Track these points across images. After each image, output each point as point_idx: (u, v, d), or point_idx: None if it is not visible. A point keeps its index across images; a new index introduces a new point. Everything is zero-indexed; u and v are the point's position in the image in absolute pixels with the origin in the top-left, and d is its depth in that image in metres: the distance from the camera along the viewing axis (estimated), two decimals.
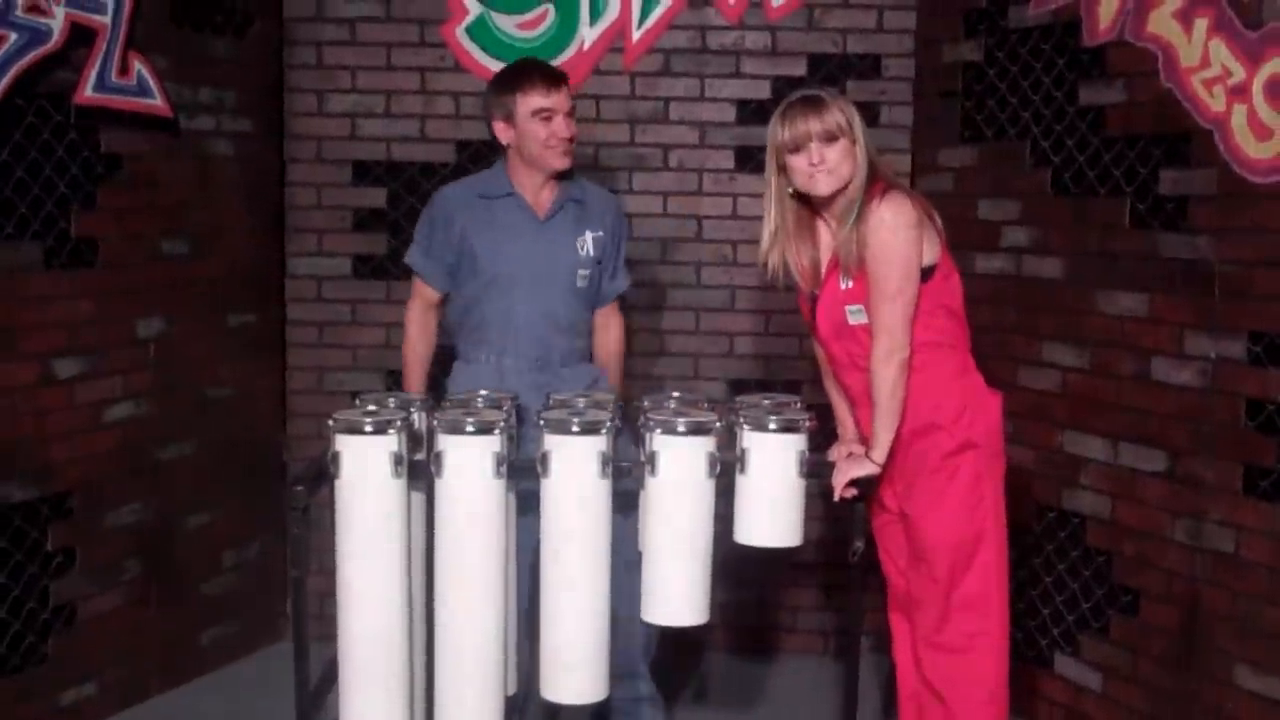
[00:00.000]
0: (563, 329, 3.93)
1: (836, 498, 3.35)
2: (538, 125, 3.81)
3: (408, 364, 4.12)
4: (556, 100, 3.81)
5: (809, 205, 3.43)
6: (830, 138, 3.28)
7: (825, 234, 3.45)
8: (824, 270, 3.44)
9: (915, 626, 3.55)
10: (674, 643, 4.29)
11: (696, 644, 4.85)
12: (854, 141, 3.32)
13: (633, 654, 3.95)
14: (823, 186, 3.31)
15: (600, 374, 4.03)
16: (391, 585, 3.16)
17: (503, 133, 3.88)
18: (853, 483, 3.33)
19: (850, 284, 3.35)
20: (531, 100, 3.80)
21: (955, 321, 3.44)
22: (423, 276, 4.04)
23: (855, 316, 3.36)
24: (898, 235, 3.25)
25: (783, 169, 3.38)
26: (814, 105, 3.31)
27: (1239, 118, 3.54)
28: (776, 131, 3.35)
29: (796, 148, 3.31)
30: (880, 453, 3.34)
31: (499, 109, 3.86)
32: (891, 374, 3.29)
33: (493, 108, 3.89)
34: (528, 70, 3.88)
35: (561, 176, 3.93)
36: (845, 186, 3.33)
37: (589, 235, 3.94)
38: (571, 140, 3.86)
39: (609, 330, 4.13)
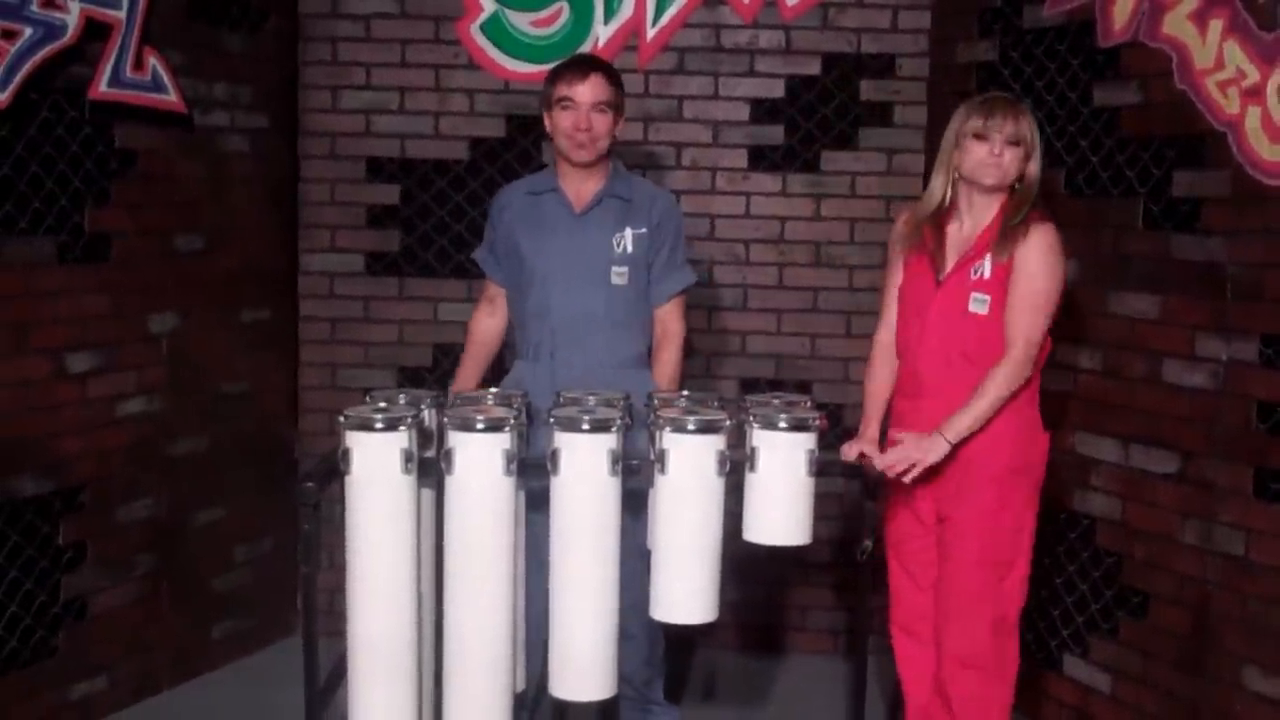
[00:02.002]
0: (601, 327, 3.87)
1: (893, 474, 3.40)
2: (559, 114, 3.83)
3: (464, 351, 4.20)
4: (577, 90, 3.80)
5: (953, 195, 3.57)
6: (1015, 141, 3.44)
7: (953, 227, 3.55)
8: (949, 259, 3.51)
9: (944, 642, 3.55)
10: (683, 640, 4.30)
11: (705, 642, 4.85)
12: (1029, 154, 3.47)
13: (636, 672, 3.96)
14: (990, 177, 3.47)
15: (649, 386, 3.87)
16: (401, 581, 3.17)
17: (546, 121, 3.92)
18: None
19: (985, 275, 3.45)
20: (557, 89, 3.82)
21: (1043, 358, 3.54)
22: (483, 269, 4.10)
23: (978, 305, 3.45)
24: (1059, 257, 3.44)
25: (957, 150, 3.52)
26: (1013, 107, 3.49)
27: (1253, 120, 3.53)
28: (971, 115, 3.49)
29: (983, 136, 3.45)
30: (957, 435, 3.40)
31: (543, 98, 3.91)
32: (1014, 380, 3.41)
33: (542, 99, 3.93)
34: (566, 61, 3.94)
35: (612, 173, 3.92)
36: (1005, 188, 3.49)
37: (629, 232, 3.89)
38: (586, 132, 3.81)
39: (662, 337, 3.99)
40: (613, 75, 3.90)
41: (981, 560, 3.48)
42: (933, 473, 3.48)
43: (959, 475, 3.47)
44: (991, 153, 3.43)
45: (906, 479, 3.41)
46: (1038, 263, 3.40)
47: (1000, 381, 3.39)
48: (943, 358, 3.49)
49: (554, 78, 3.87)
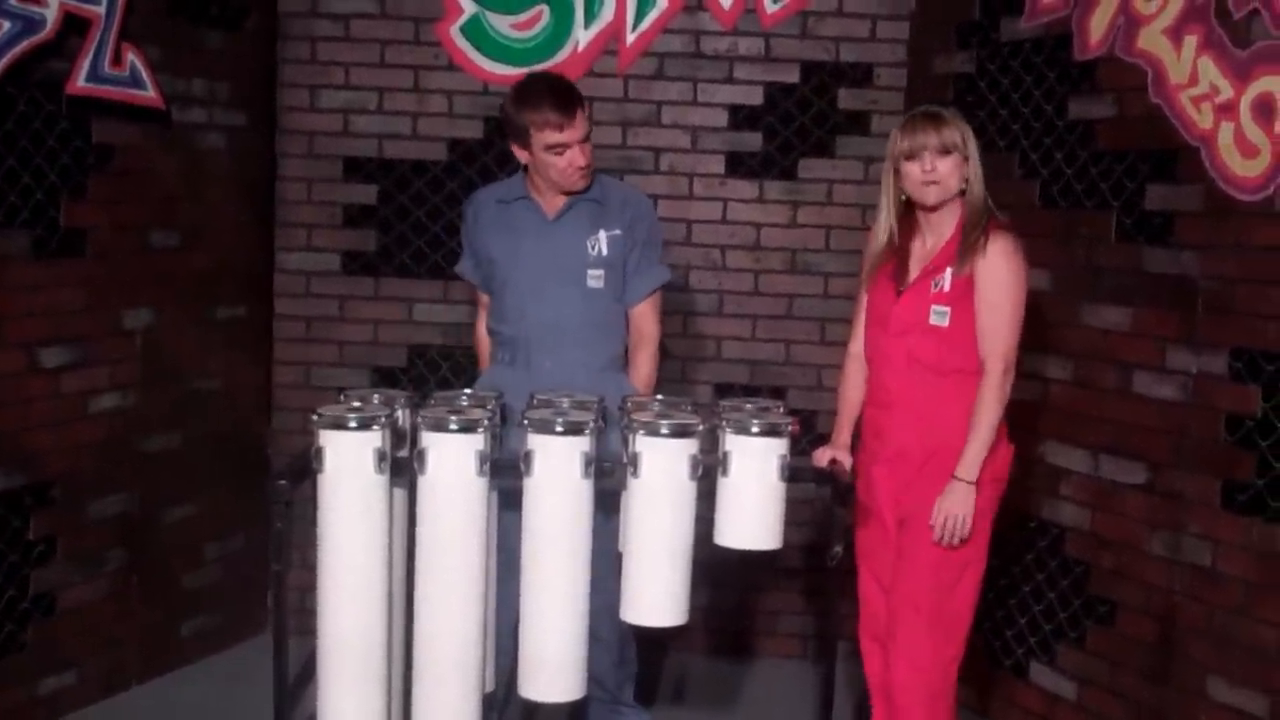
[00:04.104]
0: (577, 332, 3.86)
1: (954, 541, 3.43)
2: (552, 158, 3.75)
3: (479, 362, 4.20)
4: (569, 134, 3.72)
5: (912, 212, 3.56)
6: (944, 150, 3.43)
7: (917, 243, 3.56)
8: (913, 273, 3.52)
9: (892, 635, 3.56)
10: (653, 644, 4.31)
11: (676, 645, 4.86)
12: (966, 158, 3.46)
13: (606, 674, 3.97)
14: (931, 197, 3.47)
15: (629, 389, 3.90)
16: (372, 581, 3.17)
17: (519, 154, 3.83)
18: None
19: (945, 288, 3.45)
20: (545, 136, 3.72)
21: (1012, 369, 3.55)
22: (471, 281, 4.08)
23: (938, 318, 3.46)
24: (1019, 265, 3.43)
25: (897, 174, 3.52)
26: (934, 119, 3.48)
27: (1226, 135, 3.56)
28: (896, 139, 3.50)
29: (912, 155, 3.45)
30: (974, 473, 3.42)
31: (515, 134, 3.79)
32: (1000, 398, 3.42)
33: (509, 131, 3.82)
34: (540, 101, 3.74)
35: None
36: (951, 199, 3.47)
37: (603, 234, 3.87)
38: (585, 167, 3.79)
39: (637, 338, 3.99)
40: (582, 99, 3.82)
41: (934, 561, 3.47)
42: (897, 481, 3.51)
43: (922, 481, 3.48)
44: (923, 170, 3.44)
45: (961, 534, 3.43)
46: (999, 277, 3.40)
47: (988, 405, 3.41)
48: (906, 368, 3.50)
49: (533, 121, 3.71)
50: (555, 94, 3.76)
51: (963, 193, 3.47)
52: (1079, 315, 4.04)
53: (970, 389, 3.44)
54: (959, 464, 3.42)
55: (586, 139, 3.79)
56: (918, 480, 3.49)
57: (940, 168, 3.43)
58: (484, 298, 4.07)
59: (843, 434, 3.70)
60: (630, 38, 4.85)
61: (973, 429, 3.42)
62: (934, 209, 3.49)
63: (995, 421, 3.43)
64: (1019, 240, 3.45)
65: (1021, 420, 4.15)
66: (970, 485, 3.42)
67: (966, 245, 3.43)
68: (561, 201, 3.88)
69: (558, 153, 3.75)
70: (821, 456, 3.62)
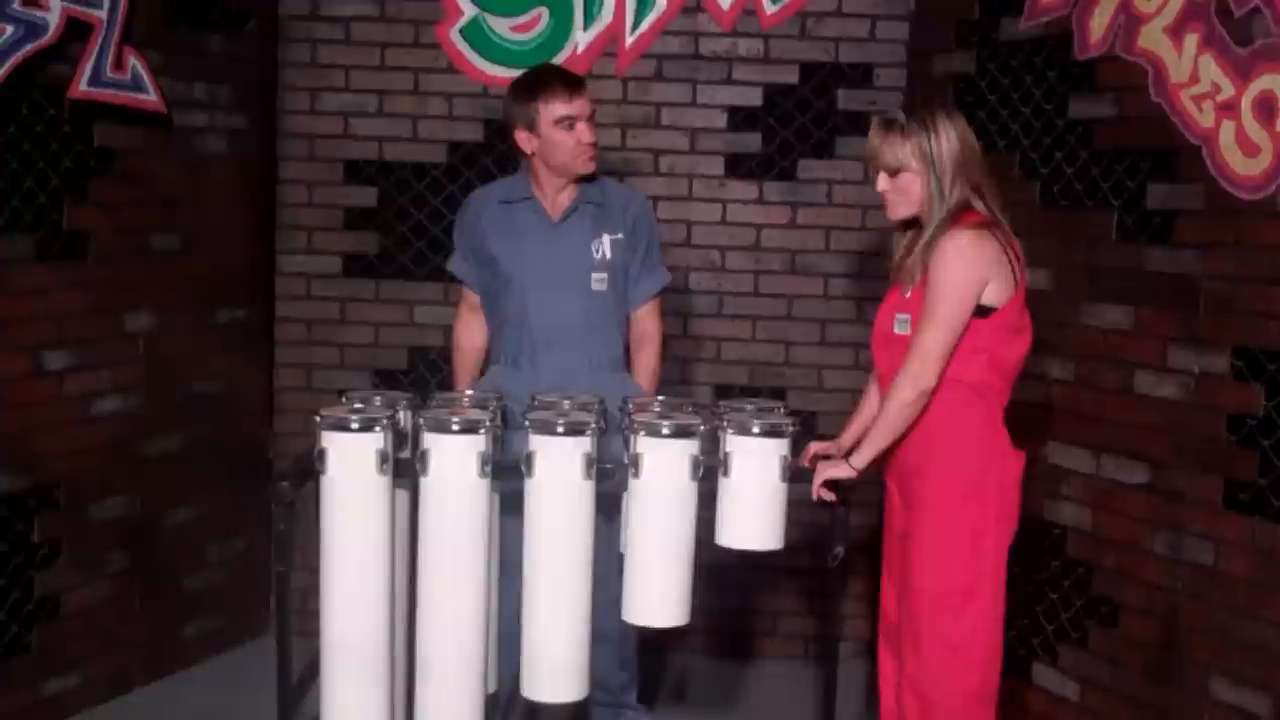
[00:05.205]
0: (579, 334, 3.88)
1: (815, 498, 3.35)
2: (561, 133, 3.78)
3: (454, 369, 4.18)
4: (578, 106, 3.79)
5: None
6: (893, 171, 3.32)
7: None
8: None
9: (902, 665, 3.46)
10: (655, 644, 4.31)
11: (677, 646, 4.87)
12: (926, 168, 3.28)
13: (609, 674, 3.97)
14: (892, 213, 3.38)
15: (630, 387, 3.92)
16: (375, 582, 3.18)
17: (525, 142, 3.84)
18: (833, 487, 3.34)
19: (909, 295, 3.35)
20: (554, 108, 3.77)
21: (998, 375, 3.35)
22: (462, 281, 4.08)
23: (901, 326, 3.36)
24: (958, 264, 3.21)
25: None
26: (882, 132, 3.35)
27: (1227, 134, 3.56)
28: None
29: (872, 178, 3.39)
30: (861, 460, 3.32)
31: (521, 118, 3.82)
32: (909, 397, 3.25)
33: (514, 117, 3.84)
34: (547, 78, 3.85)
35: (582, 179, 3.91)
36: (922, 210, 3.34)
37: (606, 238, 3.90)
38: (593, 145, 3.84)
39: (641, 338, 4.02)
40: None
41: (927, 587, 3.34)
42: (899, 496, 3.46)
43: (912, 500, 3.40)
44: (878, 188, 3.37)
45: (827, 496, 3.33)
46: (935, 274, 3.23)
47: (894, 401, 3.27)
48: (887, 378, 3.40)
49: (540, 95, 3.78)
50: (560, 72, 3.93)
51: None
52: (1080, 315, 4.04)
53: (951, 400, 3.29)
54: (856, 449, 3.36)
55: (592, 119, 3.83)
56: (911, 500, 3.41)
57: (897, 183, 3.32)
58: (472, 297, 4.07)
59: (845, 434, 3.66)
60: (629, 39, 4.86)
61: (873, 426, 3.32)
62: (907, 221, 3.38)
63: (894, 423, 3.28)
64: (989, 242, 3.25)
65: (1023, 421, 4.16)
66: (851, 469, 3.32)
67: (917, 248, 3.32)
68: (565, 203, 3.89)
69: (567, 127, 3.78)
70: (807, 453, 3.55)
